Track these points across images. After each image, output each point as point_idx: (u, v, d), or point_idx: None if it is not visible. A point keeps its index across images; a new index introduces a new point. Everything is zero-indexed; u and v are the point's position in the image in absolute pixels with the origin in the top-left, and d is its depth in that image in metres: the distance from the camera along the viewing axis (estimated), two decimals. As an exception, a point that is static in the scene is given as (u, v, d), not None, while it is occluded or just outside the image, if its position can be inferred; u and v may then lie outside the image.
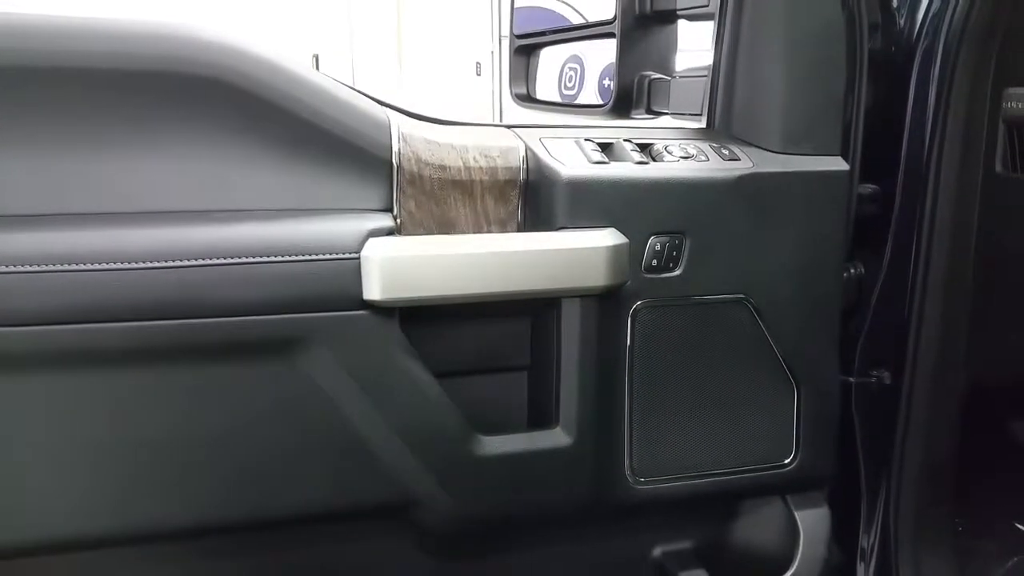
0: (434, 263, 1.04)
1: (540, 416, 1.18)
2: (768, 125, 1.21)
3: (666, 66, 1.52)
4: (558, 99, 1.79)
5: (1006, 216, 1.26)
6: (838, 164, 1.21)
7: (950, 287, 1.28)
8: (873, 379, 1.34)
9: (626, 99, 1.52)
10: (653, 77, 1.49)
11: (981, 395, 1.37)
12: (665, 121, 1.47)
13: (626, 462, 1.19)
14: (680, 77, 1.44)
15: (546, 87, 1.81)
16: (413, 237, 1.06)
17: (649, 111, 1.50)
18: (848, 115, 1.24)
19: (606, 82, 1.62)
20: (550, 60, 1.80)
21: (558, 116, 1.80)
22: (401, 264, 1.03)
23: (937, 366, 1.31)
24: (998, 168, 1.25)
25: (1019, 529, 1.53)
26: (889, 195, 1.29)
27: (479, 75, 7.42)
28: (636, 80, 1.51)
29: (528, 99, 1.79)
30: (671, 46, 1.53)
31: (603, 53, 1.58)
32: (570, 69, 1.78)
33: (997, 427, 1.52)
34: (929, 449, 1.34)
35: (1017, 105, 1.21)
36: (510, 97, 1.85)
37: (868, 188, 1.30)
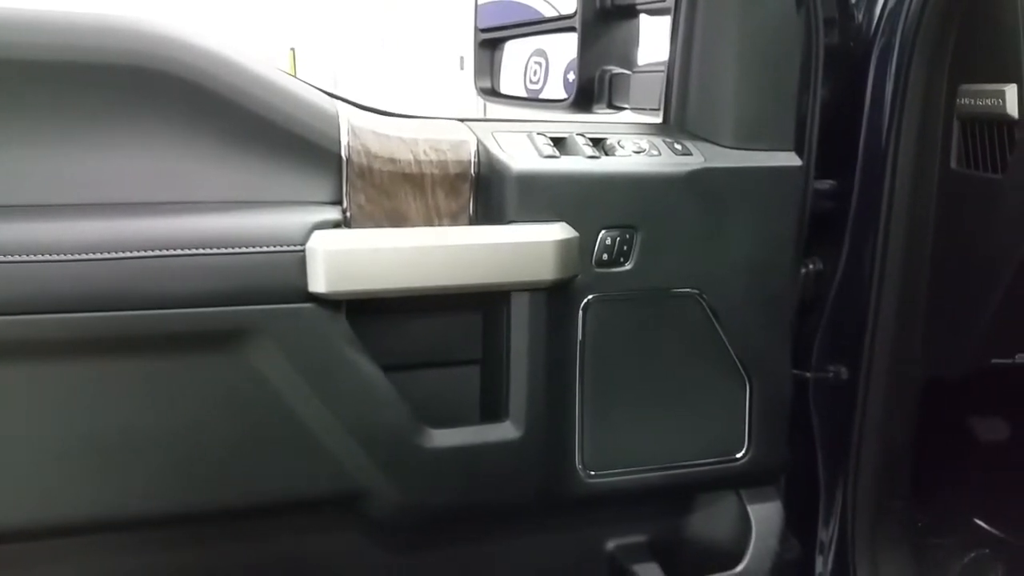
0: (380, 256, 1.04)
1: (492, 410, 1.18)
2: (722, 120, 1.20)
3: (628, 61, 1.51)
4: (523, 93, 1.79)
5: (961, 212, 1.26)
6: (791, 159, 1.21)
7: (907, 283, 1.29)
8: (830, 374, 1.35)
9: (587, 94, 1.51)
10: (614, 72, 1.49)
11: (938, 390, 1.37)
12: (626, 116, 1.47)
13: (577, 455, 1.19)
14: (639, 72, 1.44)
15: (512, 81, 1.80)
16: (359, 230, 1.05)
17: (610, 106, 1.50)
18: (803, 111, 1.23)
19: (570, 76, 1.61)
20: (516, 54, 1.79)
21: (523, 110, 1.80)
22: (347, 257, 1.02)
23: (894, 361, 1.31)
24: (953, 164, 1.26)
25: (978, 525, 1.53)
26: (847, 191, 1.30)
27: (463, 69, 7.40)
28: (597, 75, 1.51)
29: (492, 93, 1.78)
30: (633, 40, 1.53)
31: (568, 47, 1.58)
32: (535, 63, 1.78)
33: (955, 422, 1.52)
34: (886, 444, 1.35)
35: (971, 101, 1.21)
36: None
37: (825, 184, 1.31)
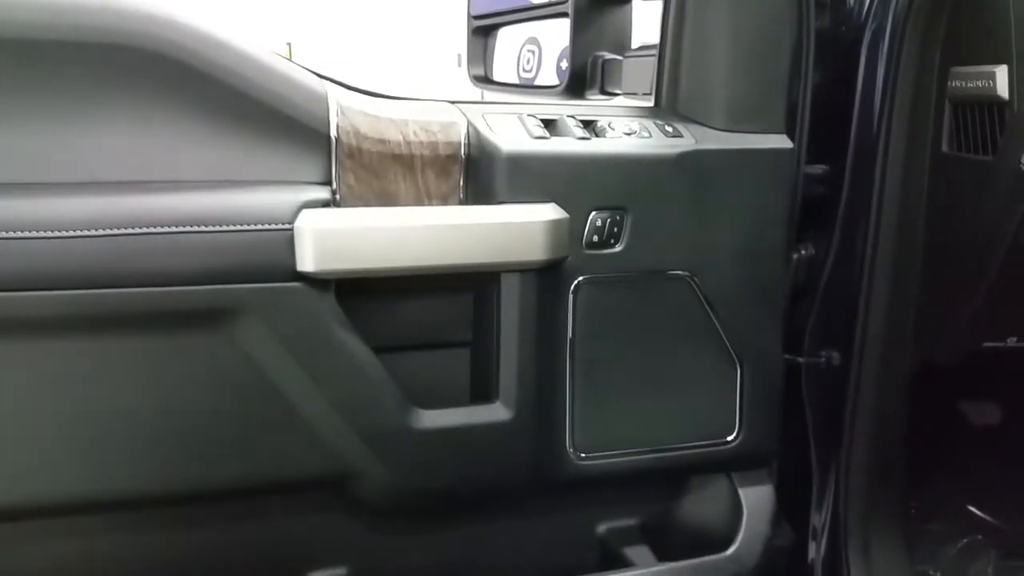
0: (369, 235, 1.03)
1: (482, 392, 1.17)
2: (713, 103, 1.20)
3: (621, 46, 1.51)
4: (516, 81, 1.79)
5: (953, 195, 1.26)
6: (783, 142, 1.21)
7: (898, 267, 1.28)
8: (822, 360, 1.34)
9: (580, 80, 1.51)
10: (607, 58, 1.48)
11: (931, 375, 1.37)
12: (619, 102, 1.46)
13: (567, 437, 1.18)
14: (631, 56, 1.44)
15: (505, 69, 1.80)
16: (348, 209, 1.05)
17: (603, 91, 1.49)
18: (794, 94, 1.23)
19: (563, 64, 1.61)
20: (509, 42, 1.79)
21: (517, 98, 1.79)
22: (336, 236, 1.02)
23: (886, 346, 1.31)
24: (945, 147, 1.25)
25: (971, 510, 1.53)
26: (838, 175, 1.29)
27: (460, 66, 7.40)
28: (590, 61, 1.50)
29: (485, 80, 1.78)
30: (626, 26, 1.52)
31: (561, 36, 1.57)
32: (528, 51, 1.77)
33: (948, 407, 1.52)
34: (879, 429, 1.34)
35: (962, 84, 1.21)
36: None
37: (818, 168, 1.30)
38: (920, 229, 1.28)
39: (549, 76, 1.73)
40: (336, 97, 1.07)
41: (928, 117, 1.25)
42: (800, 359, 1.35)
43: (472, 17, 1.78)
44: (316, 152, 1.05)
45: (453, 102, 1.16)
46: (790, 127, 1.23)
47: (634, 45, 1.52)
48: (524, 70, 1.78)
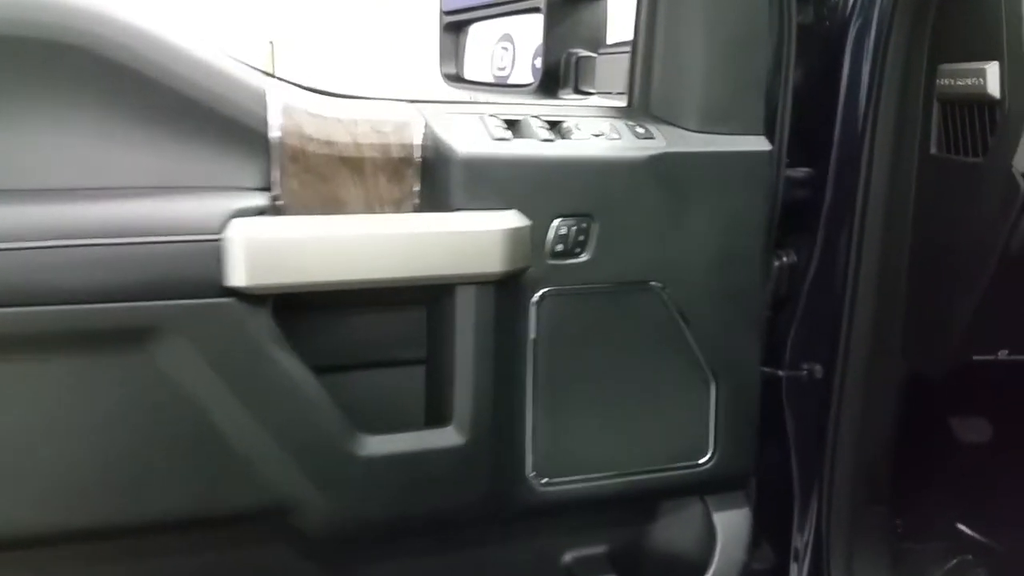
0: (310, 246, 0.97)
1: (437, 414, 1.11)
2: (687, 103, 1.16)
3: (596, 43, 1.46)
4: (490, 80, 1.74)
5: (941, 199, 1.22)
6: (760, 144, 1.17)
7: (884, 275, 1.25)
8: (804, 372, 1.31)
9: (553, 78, 1.47)
10: (581, 55, 1.44)
11: (918, 388, 1.34)
12: (593, 101, 1.41)
13: (528, 462, 1.13)
14: (605, 53, 1.38)
15: (479, 67, 1.75)
16: (285, 217, 0.99)
17: (577, 90, 1.45)
18: (774, 93, 1.19)
19: (538, 62, 1.56)
20: (482, 39, 1.74)
21: (487, 97, 1.74)
22: (271, 247, 0.95)
23: (871, 358, 1.28)
24: (933, 149, 1.22)
25: (960, 529, 1.49)
26: (821, 179, 1.26)
27: (450, 65, 7.35)
28: (563, 58, 1.46)
29: (457, 79, 1.73)
30: (601, 22, 1.47)
31: (535, 33, 1.53)
32: (502, 48, 1.72)
33: (936, 422, 1.48)
34: (864, 445, 1.31)
35: (951, 82, 1.16)
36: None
37: (799, 172, 1.27)
38: (907, 235, 1.25)
39: (524, 74, 1.68)
40: (280, 96, 1.01)
41: (915, 117, 1.22)
42: (780, 372, 1.32)
43: (444, 13, 1.72)
44: (254, 155, 0.99)
45: (412, 101, 1.10)
46: (769, 128, 1.19)
47: (611, 41, 1.47)
48: (498, 68, 1.74)
